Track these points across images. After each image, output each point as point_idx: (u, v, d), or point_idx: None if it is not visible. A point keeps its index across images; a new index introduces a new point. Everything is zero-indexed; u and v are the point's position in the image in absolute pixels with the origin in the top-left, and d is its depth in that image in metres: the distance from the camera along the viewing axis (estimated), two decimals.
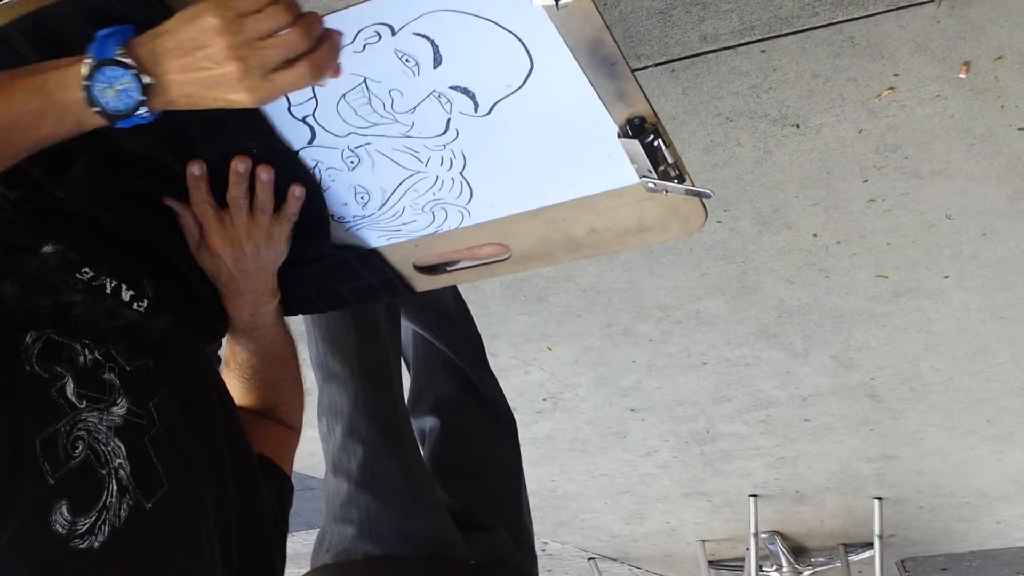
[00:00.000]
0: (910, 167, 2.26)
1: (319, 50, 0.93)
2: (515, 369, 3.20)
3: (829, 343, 2.97)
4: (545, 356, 3.15)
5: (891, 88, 2.06)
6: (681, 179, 1.12)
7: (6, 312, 0.92)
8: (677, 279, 2.74)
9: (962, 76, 2.01)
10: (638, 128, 1.09)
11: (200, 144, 1.13)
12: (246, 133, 1.13)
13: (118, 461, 0.91)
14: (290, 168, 1.18)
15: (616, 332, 3.00)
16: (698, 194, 1.15)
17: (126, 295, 1.06)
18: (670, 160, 1.11)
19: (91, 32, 0.94)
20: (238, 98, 0.92)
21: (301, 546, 5.22)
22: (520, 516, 1.80)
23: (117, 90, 0.89)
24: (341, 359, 1.63)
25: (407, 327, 1.96)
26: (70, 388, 0.90)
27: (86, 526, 0.86)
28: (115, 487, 0.89)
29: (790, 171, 2.30)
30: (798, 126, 2.17)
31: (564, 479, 4.05)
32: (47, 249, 1.03)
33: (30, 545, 0.83)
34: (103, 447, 0.90)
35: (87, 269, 1.04)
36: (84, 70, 0.89)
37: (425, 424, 1.88)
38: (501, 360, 3.10)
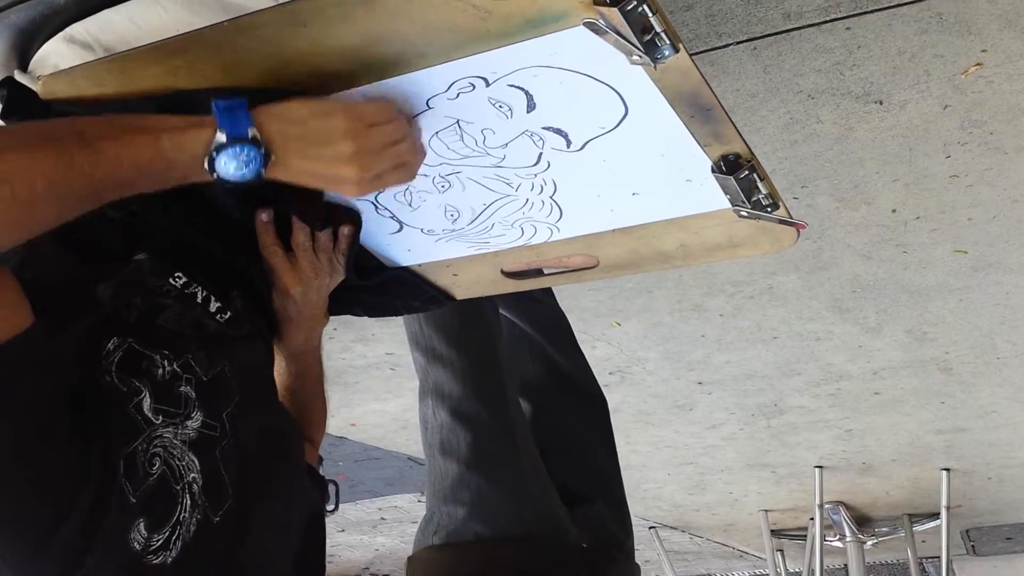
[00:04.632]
0: (995, 143, 2.22)
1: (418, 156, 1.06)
2: (582, 344, 3.16)
3: (904, 317, 2.94)
4: (613, 332, 3.15)
5: (978, 64, 2.02)
6: (775, 206, 1.11)
7: (98, 318, 0.93)
8: None
9: None
10: (732, 164, 1.08)
11: (266, 192, 1.13)
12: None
13: (192, 476, 0.91)
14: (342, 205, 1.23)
15: (686, 307, 2.99)
16: (791, 224, 1.14)
17: (213, 306, 1.08)
18: (764, 191, 1.10)
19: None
20: (345, 190, 1.00)
21: (365, 514, 5.28)
22: (618, 489, 1.81)
23: (240, 162, 0.93)
24: (448, 341, 1.64)
25: None
26: (147, 404, 0.91)
27: (160, 542, 0.87)
28: (188, 502, 0.90)
29: (871, 148, 2.27)
30: (881, 103, 2.14)
31: (628, 450, 4.06)
32: (140, 256, 1.06)
33: (110, 563, 0.84)
34: (178, 462, 0.91)
35: (180, 274, 1.05)
36: (217, 141, 0.91)
37: None
38: None
